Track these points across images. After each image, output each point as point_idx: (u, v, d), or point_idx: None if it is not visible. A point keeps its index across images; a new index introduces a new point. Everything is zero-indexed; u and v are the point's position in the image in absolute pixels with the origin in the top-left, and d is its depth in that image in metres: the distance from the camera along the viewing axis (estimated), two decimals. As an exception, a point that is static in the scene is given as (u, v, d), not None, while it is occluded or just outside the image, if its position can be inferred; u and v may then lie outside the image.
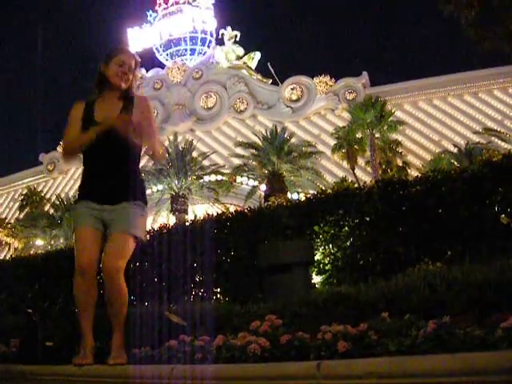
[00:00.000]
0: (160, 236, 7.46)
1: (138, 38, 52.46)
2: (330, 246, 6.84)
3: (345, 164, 36.50)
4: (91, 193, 3.84)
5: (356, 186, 7.62)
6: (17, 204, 46.58)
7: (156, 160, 4.18)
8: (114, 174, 3.78)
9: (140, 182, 3.98)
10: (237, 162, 34.47)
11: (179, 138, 36.76)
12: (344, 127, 35.56)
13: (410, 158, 38.11)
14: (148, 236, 7.26)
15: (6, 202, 53.46)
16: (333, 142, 36.51)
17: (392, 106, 36.98)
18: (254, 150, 32.55)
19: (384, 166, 33.63)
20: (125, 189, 3.75)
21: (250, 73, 48.68)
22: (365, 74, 44.64)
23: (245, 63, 49.49)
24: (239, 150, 35.93)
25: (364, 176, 34.86)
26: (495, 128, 36.21)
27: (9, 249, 39.28)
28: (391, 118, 34.47)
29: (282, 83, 46.58)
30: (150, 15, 53.90)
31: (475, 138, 35.17)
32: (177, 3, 52.95)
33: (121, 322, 3.69)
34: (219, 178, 34.24)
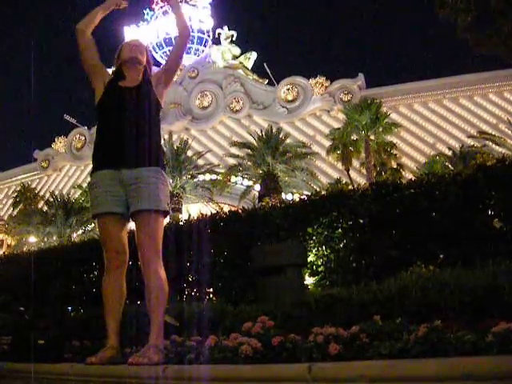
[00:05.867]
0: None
1: (134, 37, 52.39)
2: (324, 247, 6.85)
3: (339, 165, 36.54)
4: (105, 157, 3.65)
5: (350, 187, 7.64)
6: (10, 201, 46.43)
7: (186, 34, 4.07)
8: (129, 136, 3.57)
9: (158, 148, 3.78)
10: (231, 161, 34.44)
11: (174, 137, 36.74)
12: (339, 128, 35.57)
13: (405, 160, 38.19)
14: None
15: (0, 198, 53.32)
16: (328, 143, 36.55)
17: (387, 108, 37.07)
18: (248, 150, 32.51)
19: (378, 168, 33.66)
20: (141, 152, 3.55)
21: (246, 73, 48.72)
22: (361, 75, 44.76)
23: (241, 63, 49.53)
24: (234, 150, 35.92)
25: (358, 178, 34.95)
26: (490, 131, 36.30)
27: (1, 245, 39.16)
28: (386, 120, 34.52)
29: (277, 83, 46.63)
30: (147, 13, 53.92)
31: (470, 142, 35.26)
32: (174, 2, 52.87)
33: (157, 318, 3.45)
34: (214, 177, 34.21)
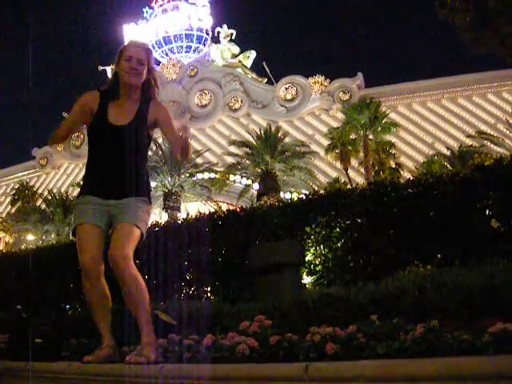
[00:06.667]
0: (152, 233, 7.44)
1: (133, 35, 52.36)
2: (321, 246, 6.84)
3: (338, 164, 36.57)
4: (95, 188, 3.70)
5: (349, 186, 7.64)
6: (8, 198, 46.38)
7: (183, 159, 4.01)
8: (120, 170, 3.60)
9: (146, 182, 3.84)
10: (230, 160, 34.43)
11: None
12: (338, 128, 35.59)
13: (403, 159, 38.22)
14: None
15: (-2, 195, 53.25)
16: (326, 143, 36.57)
17: (386, 108, 37.07)
18: (247, 149, 32.50)
19: (377, 168, 33.68)
20: (130, 185, 3.61)
21: (245, 71, 48.71)
22: (360, 75, 44.80)
23: (240, 62, 49.51)
24: (233, 149, 35.91)
25: (357, 177, 34.96)
26: (488, 131, 36.33)
27: (-1, 243, 39.12)
28: (385, 120, 34.53)
29: (276, 82, 46.64)
30: (147, 12, 53.85)
31: (468, 141, 35.29)
32: (173, 0, 52.87)
33: (143, 316, 3.45)
34: (212, 175, 34.19)
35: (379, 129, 33.96)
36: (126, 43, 3.99)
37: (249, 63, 50.03)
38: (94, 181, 3.75)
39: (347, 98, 42.50)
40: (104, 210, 3.65)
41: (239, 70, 48.64)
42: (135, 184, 3.65)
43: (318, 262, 6.84)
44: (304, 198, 7.40)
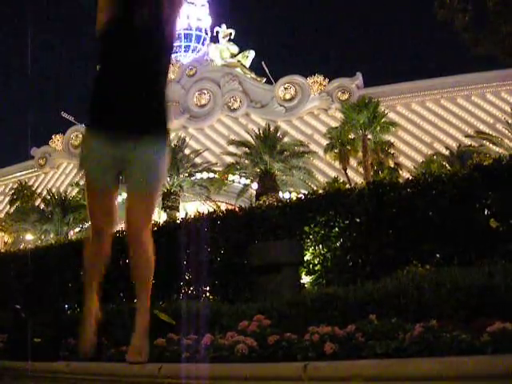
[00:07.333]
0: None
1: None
2: (320, 246, 6.85)
3: (337, 164, 36.52)
4: (107, 117, 3.06)
5: (348, 186, 7.64)
6: (7, 198, 46.34)
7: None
8: (139, 93, 2.99)
9: (165, 107, 3.15)
10: (229, 160, 34.42)
11: (172, 135, 36.58)
12: (337, 127, 35.57)
13: (402, 159, 38.19)
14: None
15: (-3, 195, 53.21)
16: (325, 142, 36.53)
17: (385, 108, 37.03)
18: (246, 149, 32.50)
19: (376, 167, 33.65)
20: (148, 114, 3.05)
21: (243, 71, 48.68)
22: (358, 74, 44.77)
23: (239, 61, 49.47)
24: (232, 148, 35.89)
25: (356, 176, 34.92)
26: (487, 131, 36.35)
27: (-2, 243, 39.10)
28: (384, 120, 34.51)
29: (275, 82, 46.62)
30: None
31: (467, 141, 35.29)
32: None
33: (145, 295, 3.22)
34: (211, 175, 34.20)
35: (378, 128, 33.94)
36: None
37: (248, 63, 50.00)
38: (105, 106, 3.09)
39: (346, 97, 42.47)
40: (116, 158, 3.06)
41: (238, 69, 48.61)
42: (157, 114, 3.09)
43: (316, 262, 6.84)
44: (303, 197, 7.41)
